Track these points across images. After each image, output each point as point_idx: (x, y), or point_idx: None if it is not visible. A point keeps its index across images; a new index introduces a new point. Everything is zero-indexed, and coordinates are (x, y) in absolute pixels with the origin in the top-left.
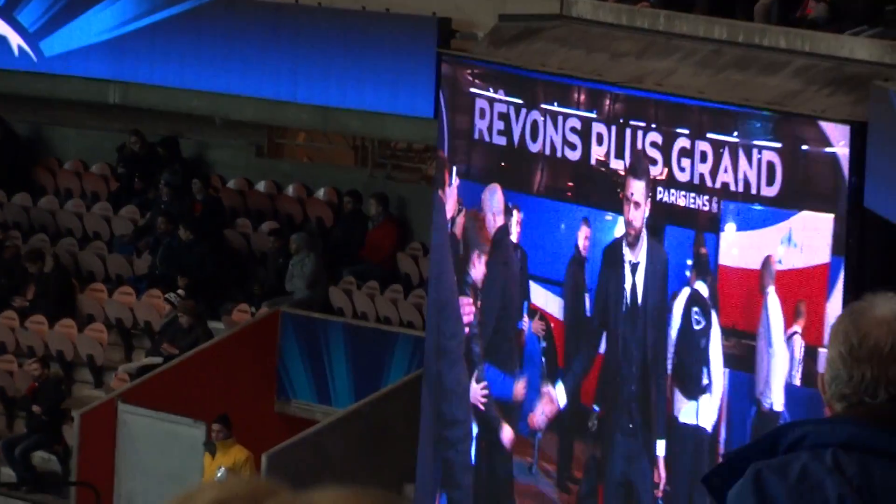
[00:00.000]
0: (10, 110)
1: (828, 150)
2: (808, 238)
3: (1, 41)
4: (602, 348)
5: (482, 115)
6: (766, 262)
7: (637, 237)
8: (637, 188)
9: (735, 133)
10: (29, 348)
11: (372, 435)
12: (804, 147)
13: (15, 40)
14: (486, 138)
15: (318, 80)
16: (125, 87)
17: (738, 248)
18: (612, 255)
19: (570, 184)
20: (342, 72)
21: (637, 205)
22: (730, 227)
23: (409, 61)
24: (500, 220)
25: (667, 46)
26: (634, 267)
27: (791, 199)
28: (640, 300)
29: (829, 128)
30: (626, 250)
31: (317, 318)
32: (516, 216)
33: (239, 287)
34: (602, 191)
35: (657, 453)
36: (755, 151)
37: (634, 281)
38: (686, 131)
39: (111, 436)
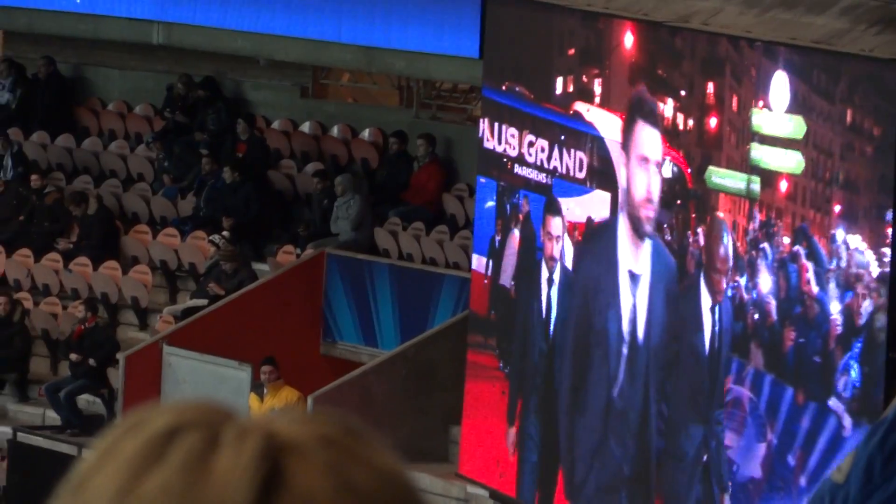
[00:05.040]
0: (54, 51)
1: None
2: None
3: None
4: None
5: None
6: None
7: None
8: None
9: (562, 137)
10: (73, 290)
11: (417, 376)
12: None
13: None
14: None
15: (362, 19)
16: (169, 27)
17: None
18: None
19: None
20: (386, 11)
21: (645, 160)
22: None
23: (453, 0)
24: None
25: None
26: (635, 278)
27: (591, 181)
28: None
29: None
30: (622, 255)
31: (362, 260)
32: None
33: (284, 228)
34: None
35: None
36: (573, 150)
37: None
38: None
39: (156, 378)
